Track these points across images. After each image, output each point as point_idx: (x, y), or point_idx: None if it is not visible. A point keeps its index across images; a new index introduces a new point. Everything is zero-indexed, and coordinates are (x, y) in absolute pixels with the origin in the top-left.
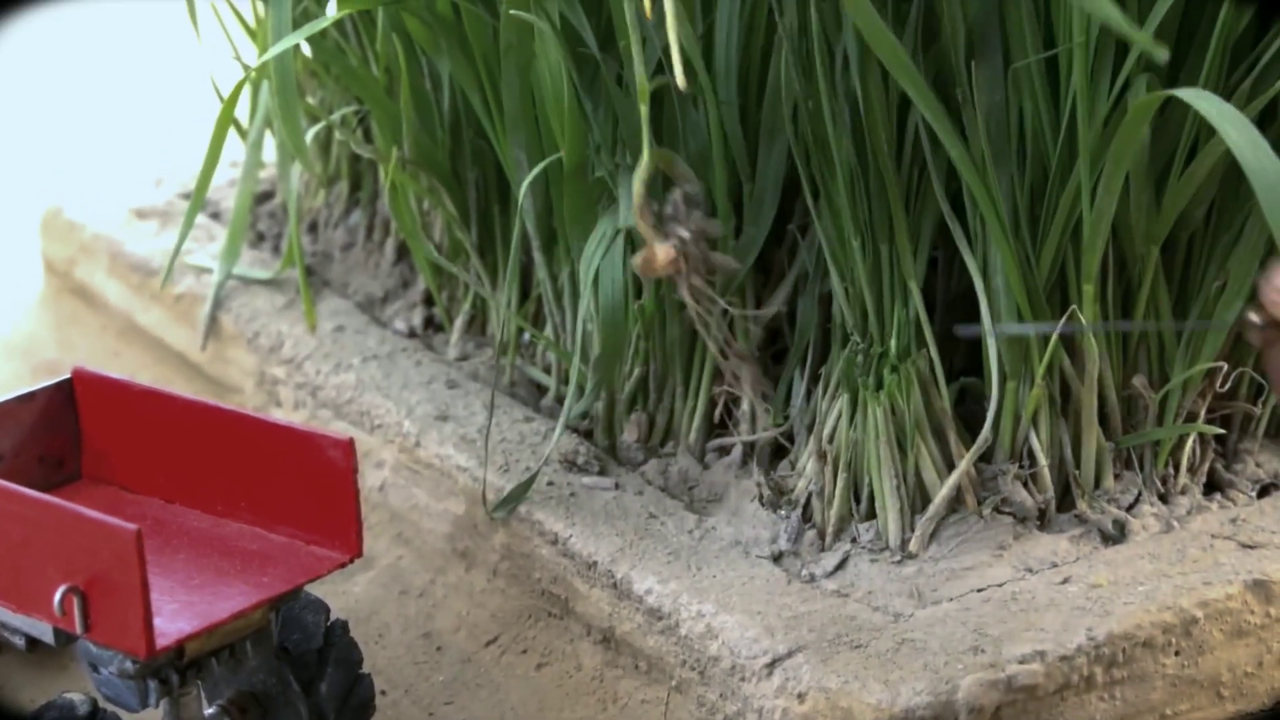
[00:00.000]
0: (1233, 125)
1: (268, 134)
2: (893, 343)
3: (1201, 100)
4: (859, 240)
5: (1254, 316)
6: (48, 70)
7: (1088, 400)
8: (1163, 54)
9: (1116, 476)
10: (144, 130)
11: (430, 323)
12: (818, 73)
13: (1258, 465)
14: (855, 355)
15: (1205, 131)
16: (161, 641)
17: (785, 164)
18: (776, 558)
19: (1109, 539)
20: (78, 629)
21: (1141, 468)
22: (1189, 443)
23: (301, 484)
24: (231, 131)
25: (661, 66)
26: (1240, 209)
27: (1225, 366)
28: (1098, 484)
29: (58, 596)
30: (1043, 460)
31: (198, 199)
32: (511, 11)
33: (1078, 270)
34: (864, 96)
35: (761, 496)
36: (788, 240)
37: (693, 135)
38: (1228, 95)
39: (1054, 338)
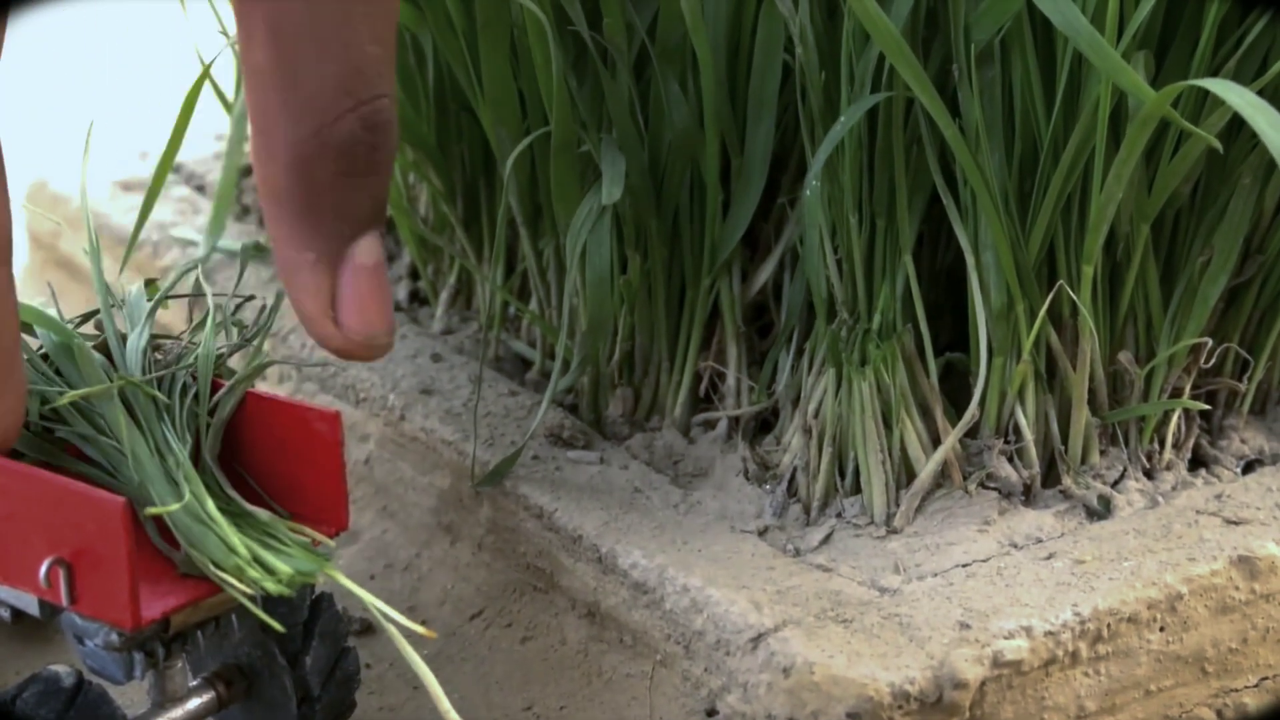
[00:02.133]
0: (1263, 116)
1: None
2: (877, 318)
3: (1230, 92)
4: (856, 215)
5: None
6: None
7: (1078, 376)
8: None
9: (1102, 452)
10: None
11: (415, 296)
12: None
13: (1243, 441)
14: (841, 330)
15: (1196, 110)
16: (147, 614)
17: (774, 138)
18: (762, 532)
19: (1094, 514)
20: (63, 601)
21: (1127, 443)
22: (1174, 419)
23: (288, 457)
24: (218, 105)
25: (645, 46)
26: (1225, 186)
27: (1210, 342)
28: (1084, 459)
29: (43, 568)
30: (1028, 435)
31: (165, 164)
32: None
33: (1066, 247)
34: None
35: (747, 471)
36: (775, 214)
37: (677, 110)
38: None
39: (1042, 312)
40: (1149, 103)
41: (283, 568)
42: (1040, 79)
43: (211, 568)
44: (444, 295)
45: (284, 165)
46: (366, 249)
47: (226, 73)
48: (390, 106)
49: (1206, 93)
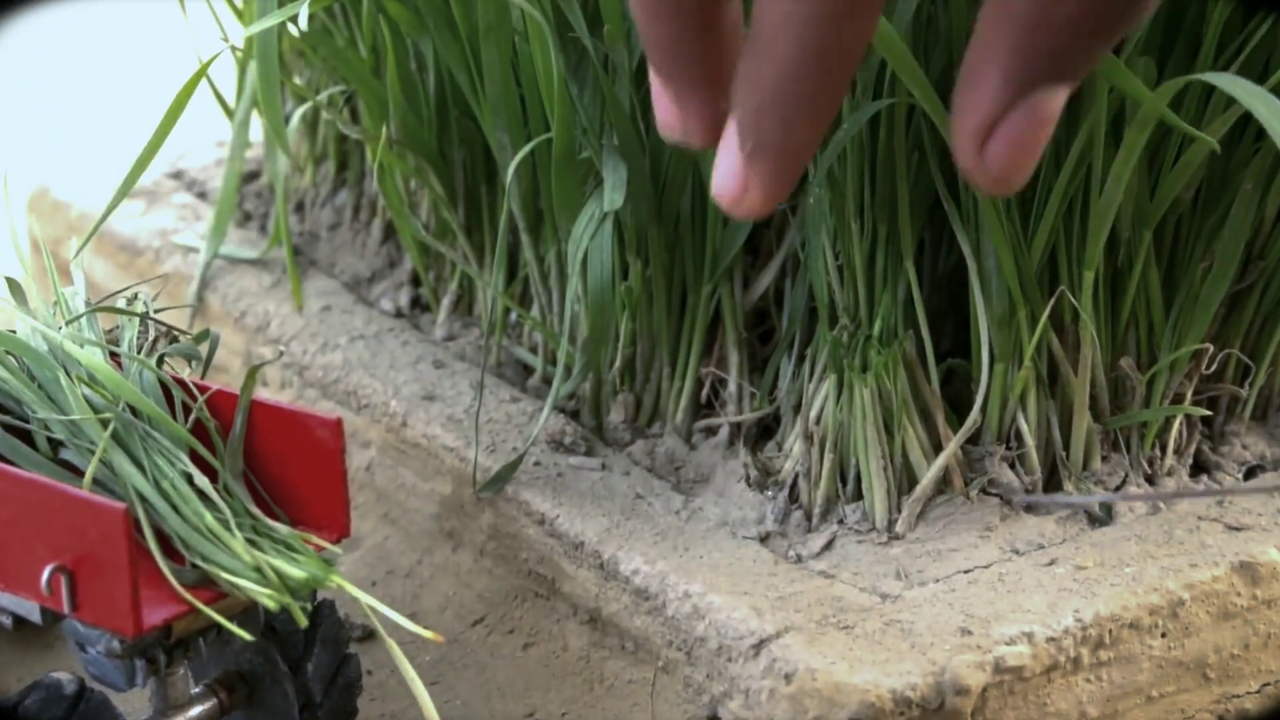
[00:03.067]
0: (1264, 104)
1: (254, 114)
2: (878, 324)
3: (1229, 84)
4: (858, 222)
5: None
6: (36, 51)
7: (1079, 382)
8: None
9: (1104, 458)
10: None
11: (417, 303)
12: None
13: (1244, 447)
14: (842, 336)
15: (1199, 114)
16: (149, 621)
17: None
18: (763, 538)
19: (1096, 521)
20: (65, 608)
21: (1128, 449)
22: (1176, 425)
23: (289, 464)
24: (218, 111)
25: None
26: (1226, 191)
27: (1211, 348)
28: (1085, 465)
29: (45, 575)
30: (1030, 441)
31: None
32: None
33: (1068, 253)
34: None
35: (748, 477)
36: (776, 220)
37: None
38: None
39: (1043, 318)
40: (1146, 102)
41: (296, 574)
42: None
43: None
44: (445, 302)
45: None
46: (1049, 99)
47: (228, 79)
48: None
49: (1208, 98)
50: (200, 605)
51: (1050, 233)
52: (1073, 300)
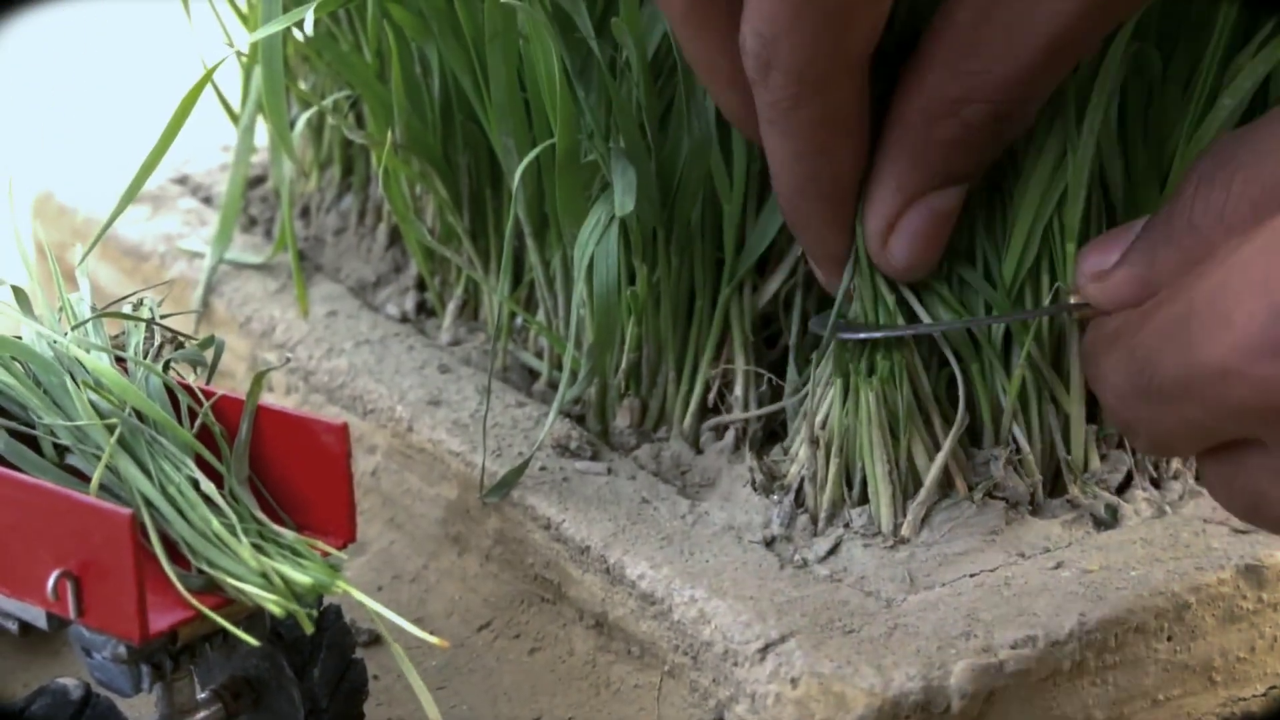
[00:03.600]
0: None
1: (259, 119)
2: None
3: None
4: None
5: (1074, 299)
6: (41, 57)
7: (1073, 382)
8: None
9: (1103, 456)
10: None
11: (423, 307)
12: None
13: None
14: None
15: (1205, 108)
16: (155, 626)
17: None
18: (769, 543)
19: (1102, 524)
20: (71, 614)
21: (1133, 453)
22: None
23: (295, 469)
24: (225, 117)
25: (660, 49)
26: None
27: None
28: (1085, 467)
29: (51, 581)
30: (1026, 447)
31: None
32: (503, 0)
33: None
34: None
35: (754, 481)
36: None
37: (698, 119)
38: (1220, 81)
39: (1035, 321)
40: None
41: (302, 579)
42: None
43: (230, 581)
44: (451, 306)
45: (920, 109)
46: (946, 196)
47: (232, 84)
48: (1021, 116)
49: (1215, 93)
50: (206, 611)
51: (1027, 233)
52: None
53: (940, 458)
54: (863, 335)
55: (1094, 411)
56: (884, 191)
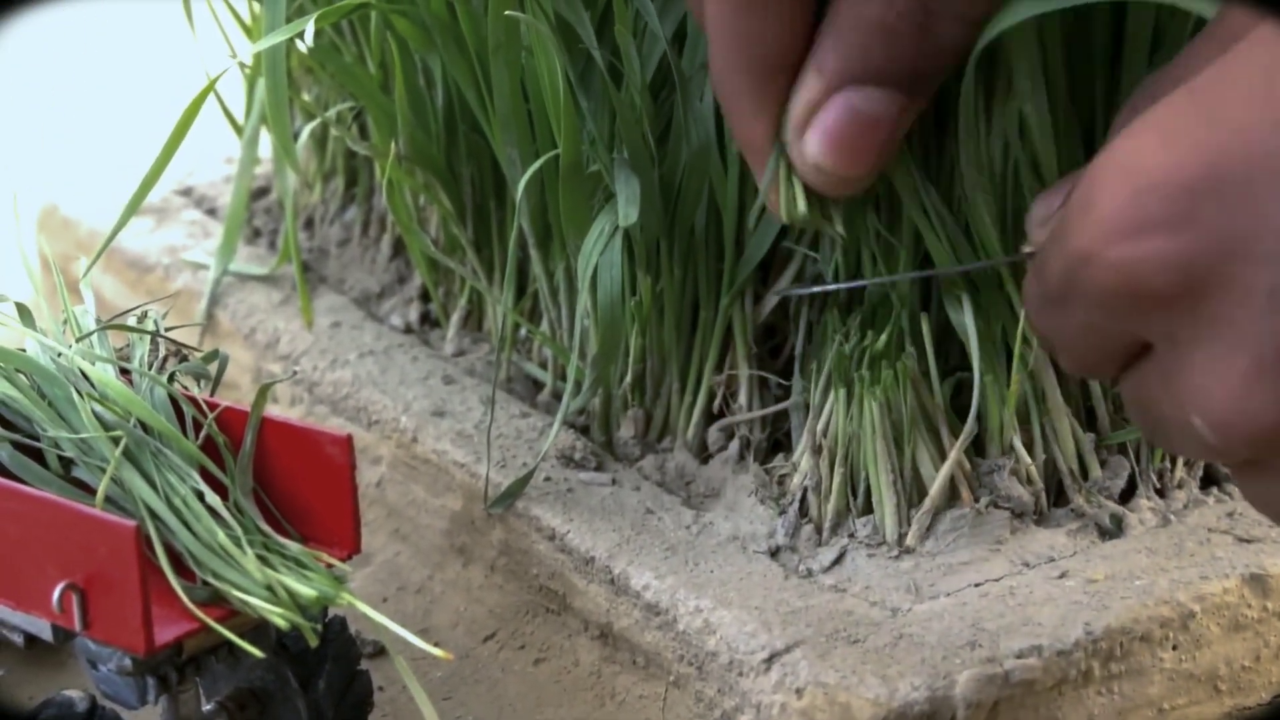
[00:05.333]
0: None
1: (263, 130)
2: (883, 337)
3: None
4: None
5: (1028, 248)
6: (44, 69)
7: (1063, 391)
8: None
9: (1103, 463)
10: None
11: (426, 318)
12: None
13: None
14: (849, 349)
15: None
16: (160, 639)
17: None
18: (774, 553)
19: (1106, 533)
20: (76, 626)
21: (1138, 461)
22: None
23: (299, 481)
24: (227, 127)
25: (660, 62)
26: None
27: None
28: (1085, 475)
29: (56, 593)
30: (1025, 457)
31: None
32: (507, 13)
33: None
34: None
35: (758, 492)
36: (792, 236)
37: (697, 128)
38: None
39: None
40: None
41: (307, 592)
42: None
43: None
44: (455, 317)
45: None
46: (867, 97)
47: (236, 95)
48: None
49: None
50: (211, 623)
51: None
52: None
53: (946, 467)
54: (815, 289)
55: (1093, 420)
56: (807, 75)
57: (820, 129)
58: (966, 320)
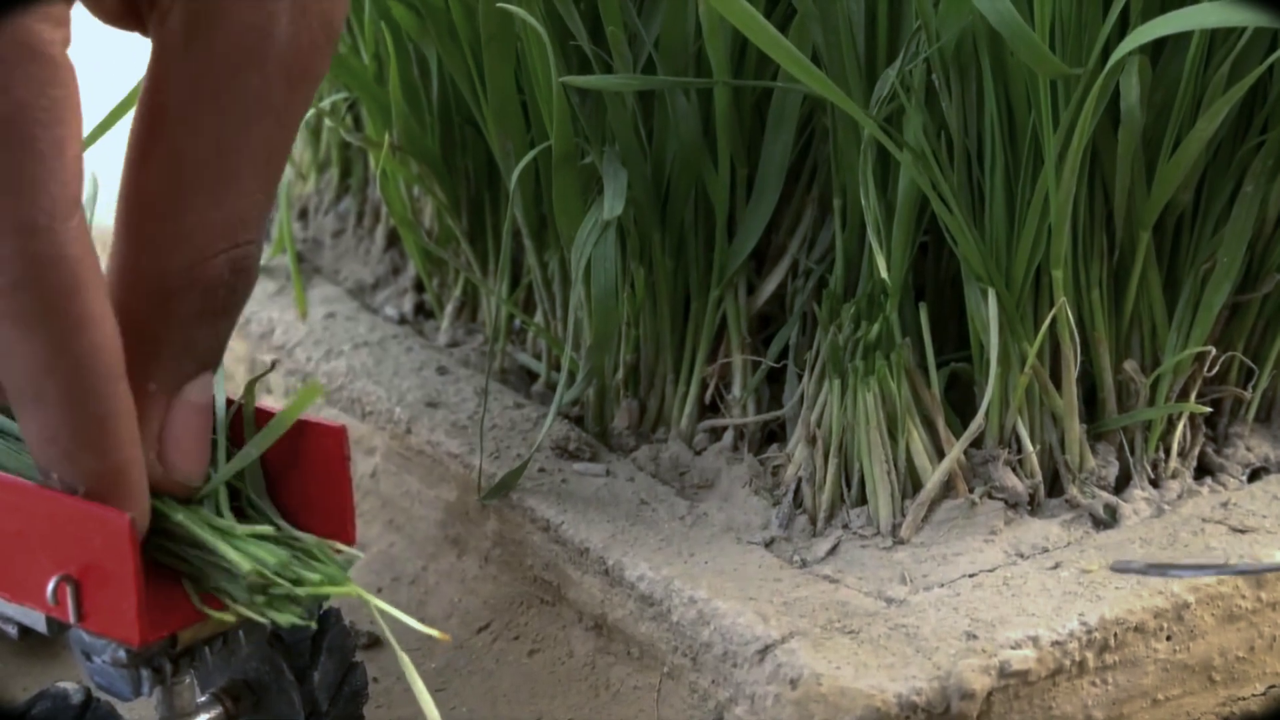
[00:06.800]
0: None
1: None
2: (876, 328)
3: (1163, 26)
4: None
5: None
6: None
7: (1065, 383)
8: None
9: (1096, 454)
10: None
11: (421, 309)
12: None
13: (1248, 449)
14: (843, 340)
15: (1193, 111)
16: (155, 630)
17: (790, 152)
18: (768, 543)
19: (1100, 524)
20: (71, 618)
21: (1132, 452)
22: (1179, 426)
23: (294, 472)
24: None
25: (650, 60)
26: (1223, 192)
27: (1214, 350)
28: (1080, 466)
29: (51, 585)
30: (1029, 446)
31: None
32: (499, 4)
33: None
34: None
35: (753, 482)
36: (785, 224)
37: (684, 122)
38: (1206, 76)
39: (1045, 326)
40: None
41: (312, 577)
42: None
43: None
44: (449, 308)
45: (146, 294)
46: (200, 388)
47: None
48: (256, 253)
49: (1201, 95)
50: (209, 610)
51: (1036, 235)
52: (1067, 308)
53: (946, 461)
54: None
55: (1089, 410)
56: (141, 401)
57: (180, 445)
58: (990, 313)
